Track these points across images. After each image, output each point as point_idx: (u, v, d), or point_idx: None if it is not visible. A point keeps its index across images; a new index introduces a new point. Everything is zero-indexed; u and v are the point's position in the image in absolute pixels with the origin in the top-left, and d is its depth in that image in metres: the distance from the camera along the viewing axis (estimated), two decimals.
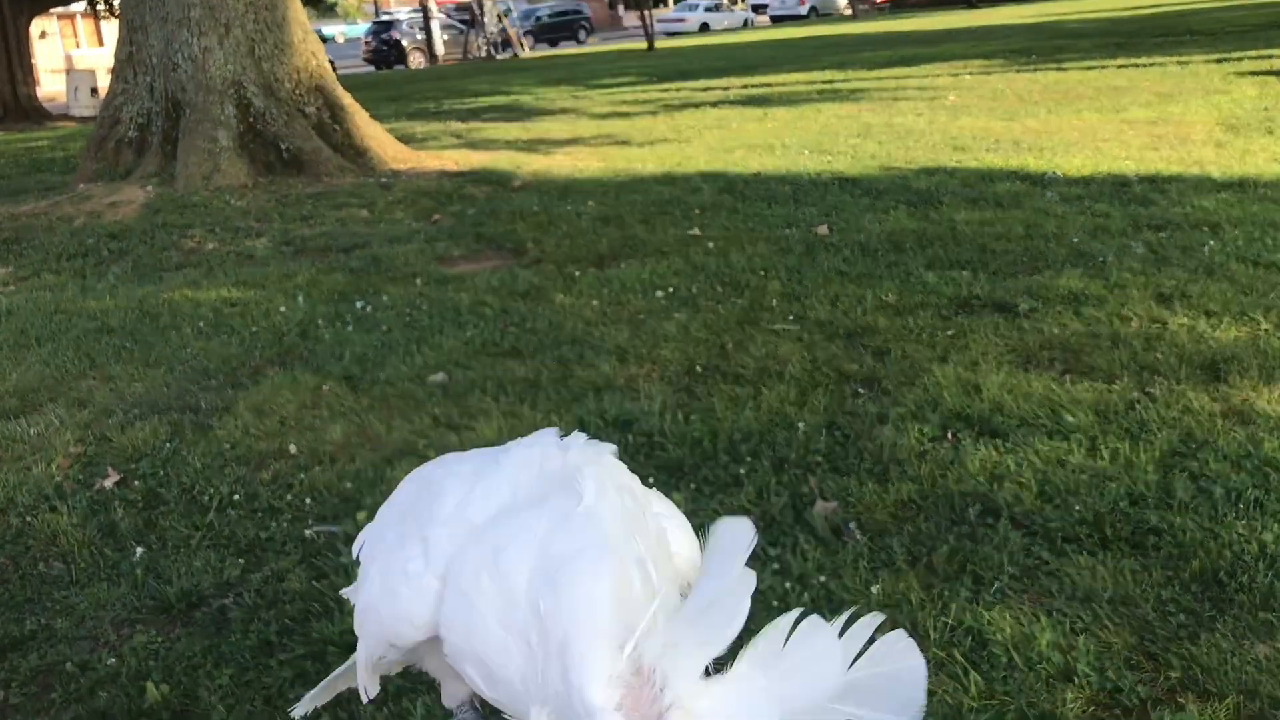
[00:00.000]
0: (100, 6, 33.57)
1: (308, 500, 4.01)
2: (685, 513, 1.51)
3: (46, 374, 5.63)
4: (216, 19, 10.42)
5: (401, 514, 0.97)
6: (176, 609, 3.39)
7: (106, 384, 5.43)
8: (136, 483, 4.28)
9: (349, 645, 3.11)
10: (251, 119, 10.60)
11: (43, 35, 43.12)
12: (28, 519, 4.06)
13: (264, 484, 4.17)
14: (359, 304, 6.37)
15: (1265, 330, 4.76)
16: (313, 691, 0.95)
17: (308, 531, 3.79)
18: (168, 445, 4.60)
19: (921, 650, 2.86)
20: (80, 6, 38.83)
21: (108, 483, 4.31)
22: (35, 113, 27.35)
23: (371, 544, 0.98)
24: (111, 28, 45.45)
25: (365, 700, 0.92)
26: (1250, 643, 2.75)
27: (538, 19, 52.00)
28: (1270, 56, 15.11)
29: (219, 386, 5.27)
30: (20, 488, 4.31)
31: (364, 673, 0.89)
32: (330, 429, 4.62)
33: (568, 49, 46.60)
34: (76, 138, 19.21)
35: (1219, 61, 15.10)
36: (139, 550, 3.76)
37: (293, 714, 1.08)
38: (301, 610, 3.30)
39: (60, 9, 40.44)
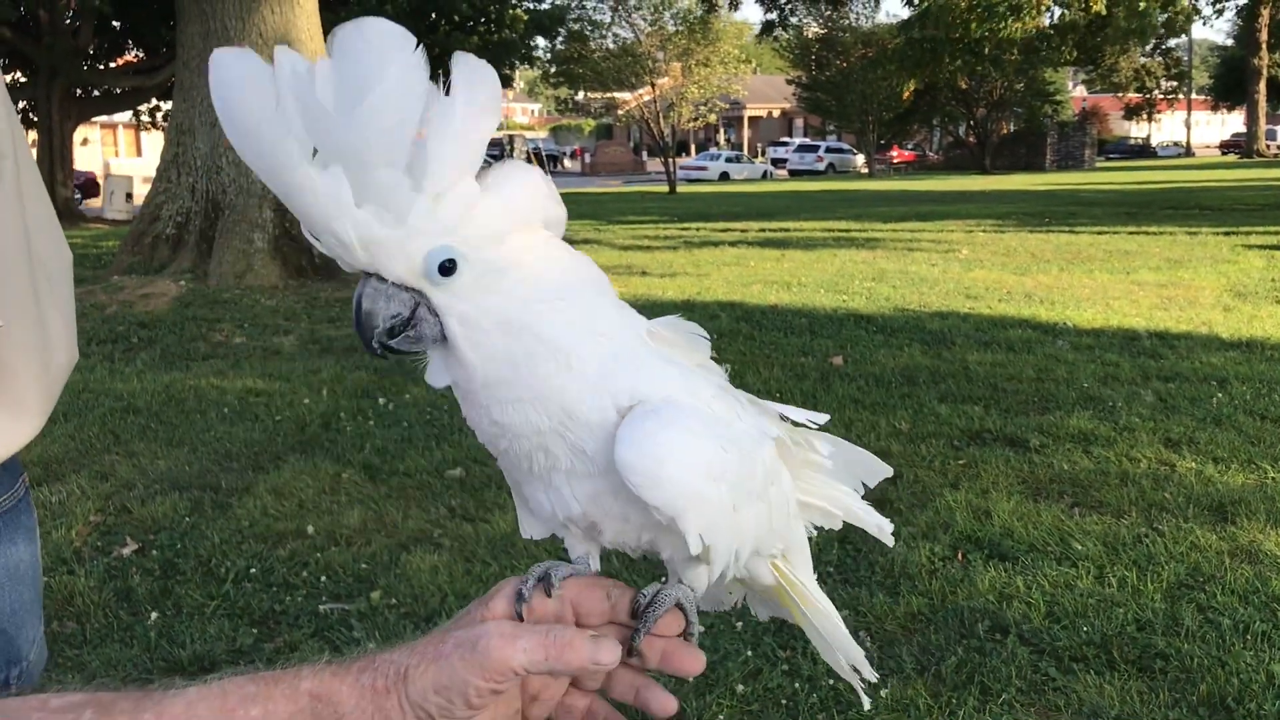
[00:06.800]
0: (144, 118, 34.74)
1: (323, 578, 4.06)
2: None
3: (71, 447, 5.72)
4: None
5: None
6: (189, 672, 3.41)
7: (129, 460, 5.52)
8: (154, 552, 4.33)
9: None
10: (288, 224, 10.93)
11: (84, 142, 44.50)
12: (46, 580, 4.10)
13: (280, 561, 4.22)
14: (381, 401, 6.49)
15: (1273, 478, 4.84)
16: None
17: (322, 607, 3.83)
18: (187, 519, 4.67)
19: None
20: (124, 117, 40.15)
21: (126, 551, 4.37)
22: (71, 214, 28.08)
23: None
24: (150, 139, 46.95)
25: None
26: None
27: None
28: (1278, 232, 15.52)
29: (240, 469, 5.36)
30: (40, 550, 4.36)
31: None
32: (348, 514, 4.69)
33: (590, 187, 47.79)
34: (110, 237, 19.69)
35: (1227, 234, 15.50)
36: (153, 615, 3.80)
37: None
38: None
39: (103, 118, 41.88)
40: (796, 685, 3.21)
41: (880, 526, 1.04)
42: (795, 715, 3.06)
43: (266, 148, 0.74)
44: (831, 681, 3.22)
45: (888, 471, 1.05)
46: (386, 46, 0.73)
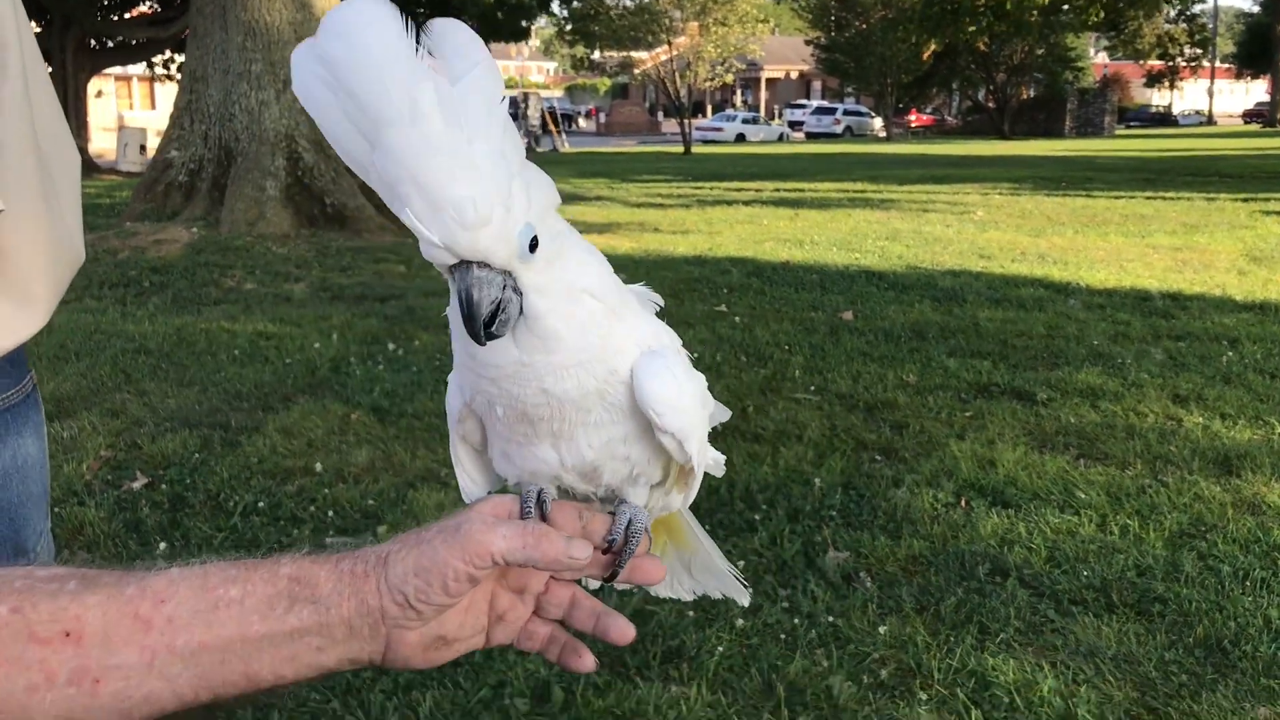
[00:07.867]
0: (158, 69, 34.65)
1: (330, 513, 4.10)
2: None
3: (83, 385, 5.77)
4: (276, 74, 10.83)
5: None
6: None
7: (140, 398, 5.56)
8: (164, 486, 4.38)
9: None
10: (300, 172, 10.93)
11: (99, 94, 44.35)
12: (56, 510, 4.15)
13: (288, 496, 4.26)
14: (391, 346, 6.52)
15: None
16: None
17: (329, 540, 3.87)
18: (196, 456, 4.71)
19: (925, 688, 2.90)
20: (138, 69, 40.03)
21: (136, 485, 4.41)
22: (85, 165, 28.10)
23: None
24: (165, 91, 46.86)
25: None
26: (1251, 705, 2.79)
27: None
28: None
29: (250, 408, 5.39)
30: (51, 482, 4.41)
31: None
32: (356, 453, 4.73)
33: (604, 147, 47.54)
34: (124, 188, 19.71)
35: (1245, 200, 15.37)
36: (162, 545, 3.85)
37: None
38: None
39: (118, 70, 41.76)
40: (795, 621, 3.24)
41: (716, 460, 1.11)
42: (794, 649, 3.09)
43: (397, 87, 0.76)
44: (831, 619, 3.25)
45: (727, 415, 1.16)
46: (476, 42, 0.81)
